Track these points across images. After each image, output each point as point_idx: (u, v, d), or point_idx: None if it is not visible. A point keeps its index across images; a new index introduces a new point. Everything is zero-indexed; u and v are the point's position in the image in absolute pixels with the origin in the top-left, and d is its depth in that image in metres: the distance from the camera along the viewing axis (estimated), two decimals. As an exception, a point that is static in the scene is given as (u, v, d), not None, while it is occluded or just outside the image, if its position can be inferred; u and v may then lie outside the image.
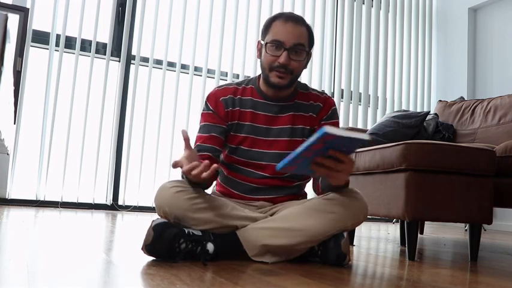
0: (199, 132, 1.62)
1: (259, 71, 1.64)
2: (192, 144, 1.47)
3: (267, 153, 1.59)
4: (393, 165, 1.82)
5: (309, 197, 1.69)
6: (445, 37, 5.26)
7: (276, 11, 4.50)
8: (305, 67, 1.60)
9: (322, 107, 1.63)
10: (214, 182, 1.70)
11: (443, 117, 3.05)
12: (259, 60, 1.60)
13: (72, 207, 3.70)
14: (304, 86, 1.68)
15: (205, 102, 1.63)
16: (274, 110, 1.61)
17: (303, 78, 4.57)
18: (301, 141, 1.60)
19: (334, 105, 1.67)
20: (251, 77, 1.70)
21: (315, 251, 1.47)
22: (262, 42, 1.57)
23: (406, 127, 2.67)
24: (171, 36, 4.13)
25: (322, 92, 1.68)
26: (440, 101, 3.26)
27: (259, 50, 1.59)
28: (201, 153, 1.56)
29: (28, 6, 3.65)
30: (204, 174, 1.29)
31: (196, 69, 4.21)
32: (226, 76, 4.32)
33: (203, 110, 1.64)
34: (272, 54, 1.52)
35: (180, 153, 1.37)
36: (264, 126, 1.60)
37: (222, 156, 1.66)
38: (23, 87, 3.60)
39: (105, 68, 3.90)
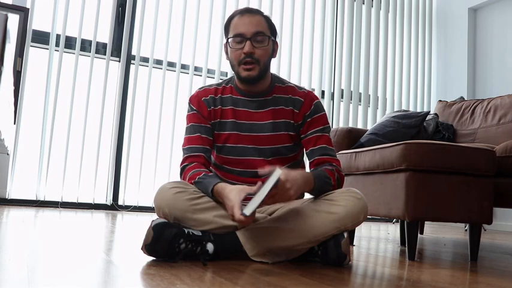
0: (186, 133, 1.63)
1: None
2: (179, 145, 1.49)
3: (255, 149, 1.60)
4: (393, 165, 1.82)
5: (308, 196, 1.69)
6: (445, 37, 5.26)
7: (276, 11, 4.51)
8: (274, 56, 1.62)
9: (303, 102, 1.63)
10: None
11: (443, 117, 3.05)
12: (228, 61, 1.62)
13: (72, 207, 3.70)
14: (281, 80, 1.69)
15: (189, 104, 1.66)
16: (254, 105, 1.62)
17: (303, 78, 4.57)
18: (285, 135, 1.61)
19: (317, 98, 1.66)
20: (230, 77, 1.71)
21: (315, 251, 1.47)
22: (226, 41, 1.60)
23: (406, 127, 2.67)
24: (171, 36, 4.13)
25: (301, 87, 1.68)
26: (440, 101, 3.26)
27: (226, 50, 1.61)
28: (194, 154, 1.57)
29: (28, 6, 3.64)
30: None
31: (196, 69, 4.21)
32: (226, 76, 4.31)
33: (188, 112, 1.66)
34: (236, 48, 1.55)
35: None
36: (247, 122, 1.61)
37: (213, 158, 1.67)
38: (23, 87, 3.60)
39: (105, 68, 3.90)
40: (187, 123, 1.64)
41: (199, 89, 1.68)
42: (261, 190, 1.28)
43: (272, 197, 1.33)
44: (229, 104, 1.63)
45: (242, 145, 1.60)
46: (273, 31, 1.60)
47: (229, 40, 1.56)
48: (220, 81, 1.76)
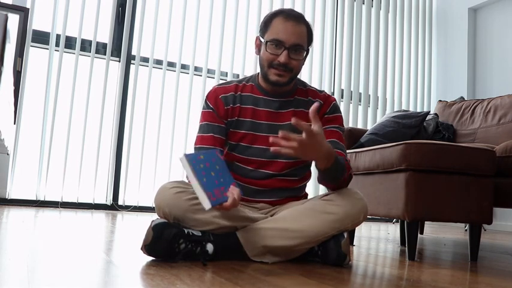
0: (199, 132, 1.61)
1: (259, 70, 1.64)
2: (192, 144, 1.47)
3: (269, 150, 1.58)
4: (393, 165, 1.82)
5: (309, 197, 1.69)
6: (445, 37, 5.26)
7: (276, 11, 4.50)
8: (303, 63, 1.61)
9: (322, 104, 1.63)
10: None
11: (443, 117, 3.05)
12: (257, 56, 1.60)
13: (72, 207, 3.70)
14: (303, 83, 1.69)
15: (205, 100, 1.64)
16: (275, 105, 1.61)
17: (304, 78, 4.56)
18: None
19: (335, 100, 1.67)
20: (251, 74, 1.70)
21: (315, 251, 1.47)
22: (262, 39, 1.57)
23: (406, 127, 2.67)
24: (171, 36, 4.13)
25: (321, 90, 1.69)
26: (440, 101, 3.26)
27: (258, 46, 1.59)
28: None
29: (28, 6, 3.64)
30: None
31: (196, 69, 4.20)
32: (226, 76, 4.31)
33: (203, 109, 1.64)
34: (272, 52, 1.52)
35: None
36: (266, 123, 1.60)
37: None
38: (23, 87, 3.60)
39: (105, 68, 3.90)
40: (202, 121, 1.62)
41: (218, 85, 1.66)
42: (191, 181, 1.27)
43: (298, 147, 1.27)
44: (250, 103, 1.61)
45: (257, 146, 1.59)
46: (310, 41, 1.58)
47: (267, 43, 1.53)
48: (240, 78, 1.73)
